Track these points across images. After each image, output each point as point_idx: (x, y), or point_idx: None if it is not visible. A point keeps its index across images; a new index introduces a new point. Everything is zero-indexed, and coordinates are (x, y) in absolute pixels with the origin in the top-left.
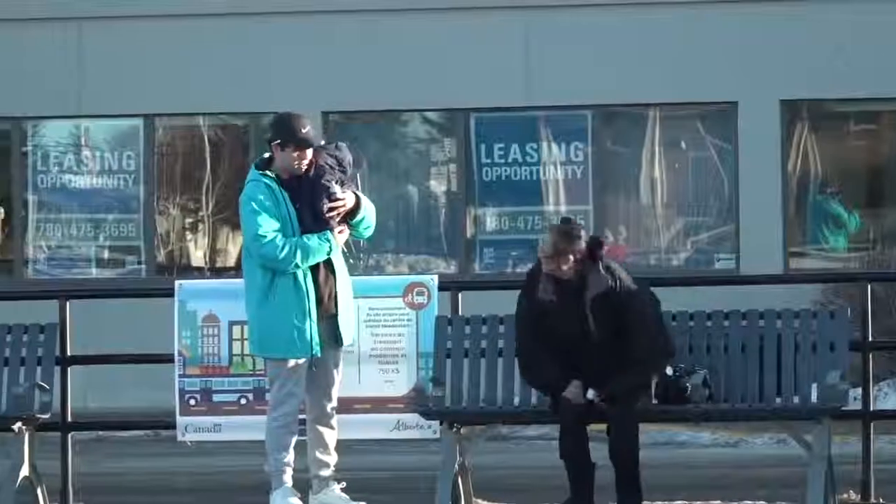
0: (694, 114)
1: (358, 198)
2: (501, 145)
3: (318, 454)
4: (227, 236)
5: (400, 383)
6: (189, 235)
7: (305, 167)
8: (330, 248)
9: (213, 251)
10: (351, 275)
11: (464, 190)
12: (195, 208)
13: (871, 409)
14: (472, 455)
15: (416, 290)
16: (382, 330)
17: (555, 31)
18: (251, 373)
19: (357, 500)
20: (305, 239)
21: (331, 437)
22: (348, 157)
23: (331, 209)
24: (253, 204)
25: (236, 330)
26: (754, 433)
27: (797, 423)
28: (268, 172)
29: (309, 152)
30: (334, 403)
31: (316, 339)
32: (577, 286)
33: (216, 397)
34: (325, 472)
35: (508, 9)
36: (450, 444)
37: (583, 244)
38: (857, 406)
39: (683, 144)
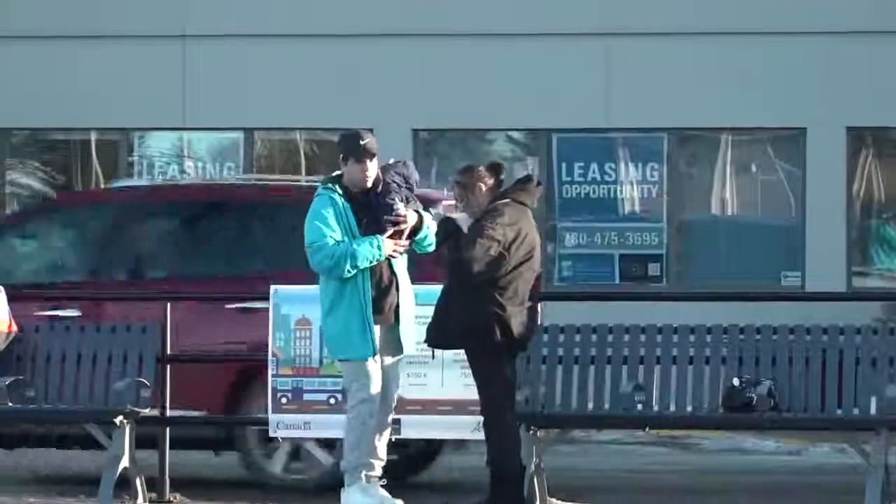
0: (764, 138)
1: (420, 216)
2: (581, 164)
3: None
4: None
5: None
6: None
7: (371, 180)
8: (380, 251)
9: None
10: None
11: (544, 206)
12: None
13: None
14: (547, 456)
15: None
16: None
17: (634, 57)
18: (340, 374)
19: (434, 497)
20: (355, 245)
21: (384, 440)
22: (415, 175)
23: (394, 223)
24: (313, 215)
25: None
26: (816, 442)
27: (856, 433)
28: (331, 186)
29: (371, 164)
30: (391, 412)
31: (376, 341)
32: None
33: (307, 396)
34: (372, 472)
35: (591, 35)
36: (527, 446)
37: (478, 183)
38: None
39: (754, 167)
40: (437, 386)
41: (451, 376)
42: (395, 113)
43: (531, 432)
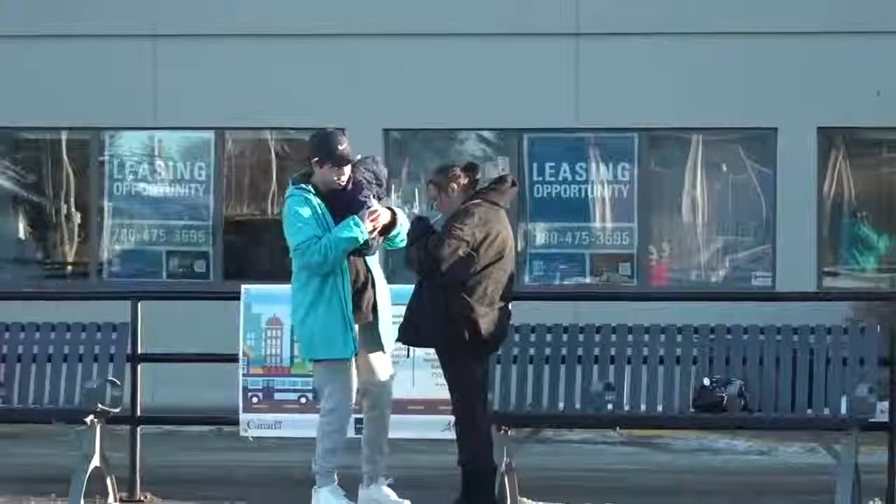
0: (735, 138)
1: (394, 213)
2: (552, 164)
3: (371, 452)
4: None
5: None
6: (255, 243)
7: (344, 182)
8: (360, 229)
9: (278, 258)
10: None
11: (516, 206)
12: (261, 217)
13: None
14: (518, 456)
15: None
16: None
17: (605, 57)
18: (311, 373)
19: (406, 496)
20: (335, 232)
21: (384, 437)
22: (384, 172)
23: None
24: (292, 217)
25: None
26: (786, 442)
27: (827, 433)
28: (304, 186)
29: (347, 168)
30: (389, 407)
31: (356, 341)
32: None
33: (277, 396)
34: (376, 470)
35: (561, 35)
36: (498, 445)
37: (451, 183)
38: (885, 418)
39: (724, 167)
40: (408, 385)
41: (422, 376)
42: (367, 112)
43: (502, 432)
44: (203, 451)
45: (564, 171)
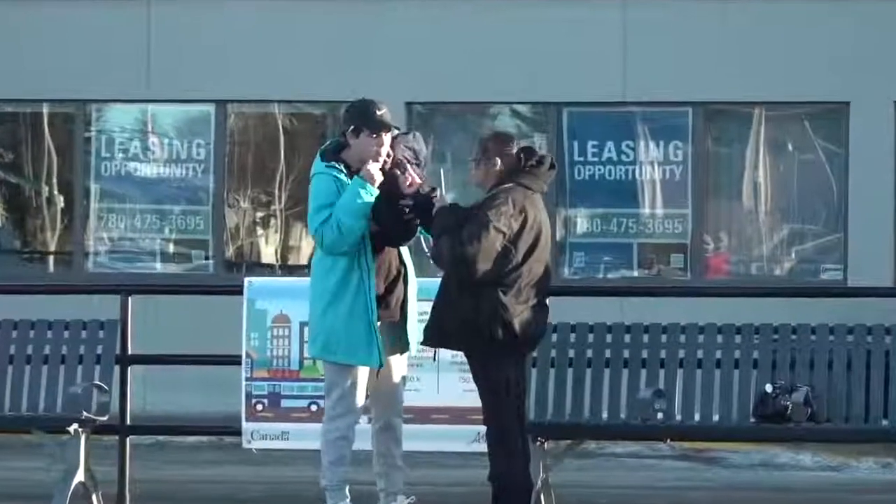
0: (802, 114)
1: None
2: (595, 142)
3: (384, 467)
4: (301, 232)
5: None
6: (260, 230)
7: (383, 155)
8: (368, 191)
9: (286, 247)
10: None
11: (554, 189)
12: (267, 202)
13: None
14: (556, 471)
15: None
16: None
17: (655, 22)
18: (323, 377)
19: None
20: (341, 201)
21: (397, 449)
22: (424, 150)
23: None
24: (316, 203)
25: (308, 332)
26: (858, 456)
27: None
28: (335, 164)
29: (386, 138)
30: (401, 414)
31: (382, 350)
32: None
33: (285, 403)
34: (392, 486)
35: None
36: (534, 459)
37: (497, 157)
38: None
39: (790, 146)
40: (432, 392)
41: (448, 380)
42: (387, 84)
43: (538, 444)
44: (200, 465)
45: (609, 151)
